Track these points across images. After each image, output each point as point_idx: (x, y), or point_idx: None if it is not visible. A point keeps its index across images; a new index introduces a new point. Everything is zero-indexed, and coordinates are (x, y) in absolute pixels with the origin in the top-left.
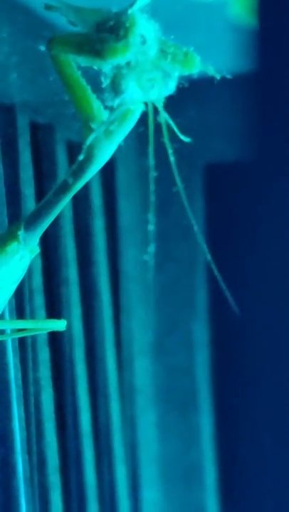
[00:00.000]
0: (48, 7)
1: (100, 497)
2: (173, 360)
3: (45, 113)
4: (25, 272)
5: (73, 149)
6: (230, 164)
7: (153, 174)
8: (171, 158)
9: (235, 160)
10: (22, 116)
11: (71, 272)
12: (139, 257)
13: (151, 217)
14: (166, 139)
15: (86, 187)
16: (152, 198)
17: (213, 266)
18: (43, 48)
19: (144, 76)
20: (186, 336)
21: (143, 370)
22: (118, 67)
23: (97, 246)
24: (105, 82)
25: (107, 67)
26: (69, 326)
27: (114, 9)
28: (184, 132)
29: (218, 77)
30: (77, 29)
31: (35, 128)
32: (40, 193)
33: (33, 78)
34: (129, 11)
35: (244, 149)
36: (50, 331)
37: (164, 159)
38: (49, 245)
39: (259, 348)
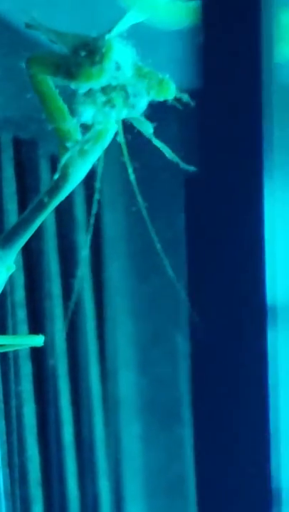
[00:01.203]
0: (28, 26)
1: (82, 511)
2: (156, 373)
3: (28, 128)
4: (2, 288)
5: (56, 164)
6: (210, 178)
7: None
8: (131, 177)
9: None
10: (5, 132)
11: (54, 286)
12: (123, 270)
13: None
14: (126, 159)
15: (69, 200)
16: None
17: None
18: (24, 64)
19: (103, 99)
20: (169, 349)
21: (127, 382)
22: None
23: (80, 259)
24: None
25: (82, 88)
26: (52, 339)
27: (94, 34)
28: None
29: (192, 103)
30: (57, 47)
31: (18, 143)
32: (22, 208)
33: (16, 94)
34: (107, 37)
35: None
36: (28, 346)
37: (147, 172)
38: (32, 259)
39: (242, 361)
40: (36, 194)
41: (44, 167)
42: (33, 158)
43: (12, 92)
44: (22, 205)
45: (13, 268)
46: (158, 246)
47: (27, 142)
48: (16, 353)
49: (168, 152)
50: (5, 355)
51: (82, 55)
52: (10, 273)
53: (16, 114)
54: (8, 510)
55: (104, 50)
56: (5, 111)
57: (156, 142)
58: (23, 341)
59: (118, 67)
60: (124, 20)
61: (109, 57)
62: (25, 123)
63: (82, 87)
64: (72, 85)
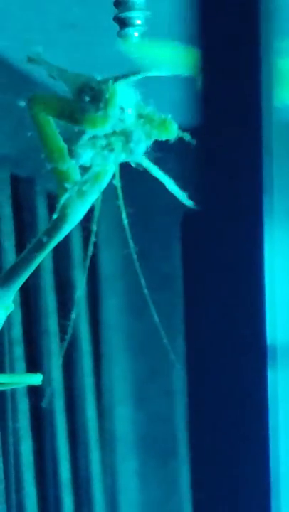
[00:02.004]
0: (30, 60)
1: None
2: (153, 409)
3: (25, 166)
4: (0, 327)
5: (54, 201)
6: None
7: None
8: (125, 221)
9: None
10: (2, 170)
11: (51, 323)
12: (119, 307)
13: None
14: (120, 202)
15: (66, 239)
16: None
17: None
18: (22, 103)
19: (103, 142)
20: (165, 385)
21: (123, 418)
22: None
23: (76, 297)
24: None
25: (87, 134)
26: (49, 376)
27: (98, 76)
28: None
29: (193, 143)
30: (58, 86)
31: (15, 181)
32: (20, 246)
33: (13, 132)
34: (111, 82)
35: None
36: (26, 385)
37: (142, 210)
38: (29, 296)
39: (240, 398)
40: (34, 232)
41: (41, 204)
42: (30, 196)
43: (9, 129)
44: (19, 243)
45: (11, 307)
46: (147, 290)
47: (24, 180)
48: (13, 389)
49: (172, 186)
50: (2, 392)
51: (86, 100)
52: (8, 312)
53: (13, 151)
54: None
55: (108, 95)
56: (2, 148)
57: (160, 175)
58: (21, 379)
59: (122, 112)
60: (135, 75)
61: (113, 104)
62: (23, 160)
63: (86, 132)
64: (76, 129)
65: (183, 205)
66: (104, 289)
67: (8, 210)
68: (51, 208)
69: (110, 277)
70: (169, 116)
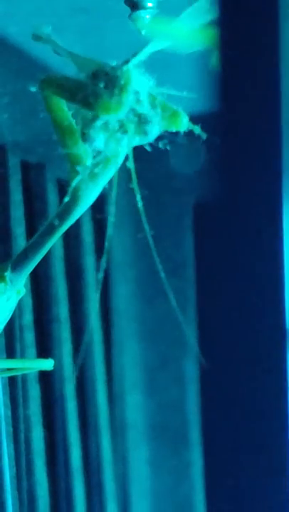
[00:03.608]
0: (37, 37)
1: None
2: (164, 396)
3: (36, 152)
4: (12, 312)
5: (64, 188)
6: (219, 203)
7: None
8: (140, 204)
9: (224, 199)
10: (13, 156)
11: (62, 309)
12: (131, 294)
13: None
14: (134, 185)
15: (77, 225)
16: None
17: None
18: (33, 89)
19: (114, 126)
20: (177, 372)
21: (134, 406)
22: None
23: (88, 283)
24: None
25: (100, 120)
26: (60, 363)
27: (110, 60)
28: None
29: (204, 136)
30: (69, 70)
31: (26, 167)
32: (31, 232)
33: (24, 119)
34: (125, 68)
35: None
36: (38, 370)
37: (154, 196)
38: (40, 283)
39: (250, 383)
40: (44, 218)
41: (51, 191)
42: (40, 182)
43: (19, 116)
44: (30, 228)
45: (23, 291)
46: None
47: (34, 166)
48: (24, 376)
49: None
50: (13, 378)
51: (100, 84)
52: (20, 296)
53: (23, 138)
54: None
55: (123, 82)
56: (13, 135)
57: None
58: (33, 365)
59: (136, 98)
60: (145, 51)
61: (128, 90)
62: (33, 147)
63: (100, 117)
64: (89, 114)
65: (195, 192)
66: (116, 276)
67: (18, 197)
68: (61, 194)
69: (121, 264)
70: (180, 108)
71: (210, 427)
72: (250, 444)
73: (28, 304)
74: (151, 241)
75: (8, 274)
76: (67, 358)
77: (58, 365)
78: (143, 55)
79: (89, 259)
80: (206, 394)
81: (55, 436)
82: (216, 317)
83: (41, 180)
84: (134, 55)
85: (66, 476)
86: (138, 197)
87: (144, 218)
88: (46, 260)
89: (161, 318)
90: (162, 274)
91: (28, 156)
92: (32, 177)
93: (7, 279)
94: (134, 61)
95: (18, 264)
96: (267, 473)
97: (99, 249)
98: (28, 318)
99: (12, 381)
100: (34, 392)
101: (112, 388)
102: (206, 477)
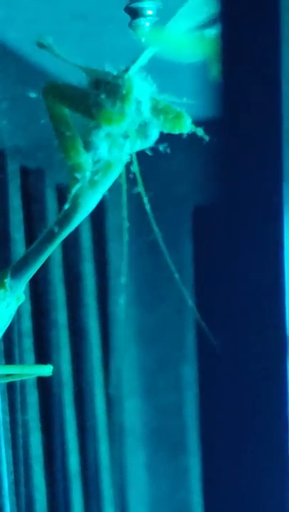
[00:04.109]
0: (40, 45)
1: None
2: (162, 401)
3: (35, 158)
4: (11, 319)
5: (63, 193)
6: (218, 207)
7: (126, 224)
8: (147, 207)
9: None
10: (12, 162)
11: (60, 315)
12: (128, 299)
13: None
14: (140, 188)
15: (76, 230)
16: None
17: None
18: (33, 94)
19: (117, 135)
20: (175, 377)
21: (132, 411)
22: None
23: (86, 289)
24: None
25: (103, 130)
26: (58, 369)
27: (109, 68)
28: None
29: (206, 138)
30: (71, 77)
31: (25, 173)
32: (29, 238)
33: (24, 124)
34: (126, 76)
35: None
36: (36, 376)
37: (153, 202)
38: (38, 288)
39: (249, 389)
40: (43, 223)
41: (51, 196)
42: (39, 188)
43: (20, 121)
44: (29, 234)
45: (22, 298)
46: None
47: (34, 171)
48: (22, 381)
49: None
50: (12, 384)
51: (102, 94)
52: (20, 303)
53: (23, 143)
54: None
55: (125, 91)
56: (13, 140)
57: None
58: (31, 371)
59: (138, 107)
60: (143, 56)
61: (130, 100)
62: (33, 153)
63: (102, 128)
64: (92, 122)
65: (194, 197)
66: (114, 280)
67: (17, 202)
68: (60, 200)
69: (120, 268)
70: (183, 109)
71: (208, 432)
72: (249, 450)
73: (27, 309)
74: (162, 243)
75: (7, 280)
76: (65, 363)
77: (57, 371)
78: (142, 61)
79: (88, 266)
80: (205, 399)
81: (53, 442)
82: (215, 322)
83: (40, 185)
84: (134, 61)
85: (64, 481)
86: (145, 199)
87: (153, 221)
88: (45, 266)
89: (160, 322)
90: (176, 275)
91: (28, 162)
92: (31, 182)
93: (7, 285)
94: (134, 68)
95: (17, 271)
96: (266, 478)
97: (98, 255)
98: (26, 324)
99: (10, 387)
100: (32, 397)
101: (110, 393)
102: (204, 482)
